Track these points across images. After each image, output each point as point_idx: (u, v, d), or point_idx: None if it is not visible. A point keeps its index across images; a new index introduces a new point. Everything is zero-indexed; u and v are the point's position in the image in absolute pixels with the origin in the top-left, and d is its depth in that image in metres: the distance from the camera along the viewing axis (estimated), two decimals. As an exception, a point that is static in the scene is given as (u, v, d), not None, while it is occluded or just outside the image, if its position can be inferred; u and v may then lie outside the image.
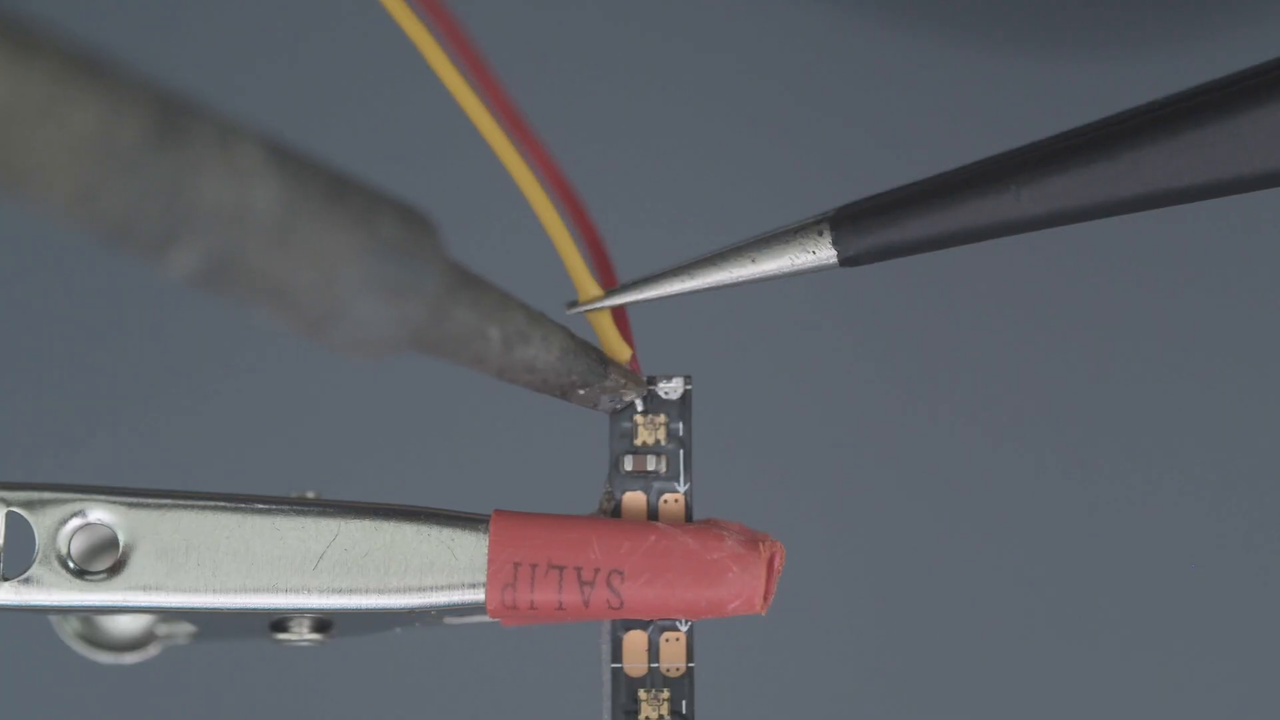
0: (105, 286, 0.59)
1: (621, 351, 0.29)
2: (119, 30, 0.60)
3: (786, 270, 0.28)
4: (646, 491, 0.29)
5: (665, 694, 0.29)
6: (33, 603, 0.27)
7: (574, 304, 0.28)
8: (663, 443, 0.29)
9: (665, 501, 0.29)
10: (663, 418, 0.29)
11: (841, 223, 0.28)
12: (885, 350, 0.59)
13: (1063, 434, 0.59)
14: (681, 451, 0.29)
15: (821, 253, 0.28)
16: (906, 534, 0.58)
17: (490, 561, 0.28)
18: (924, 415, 0.59)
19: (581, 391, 0.28)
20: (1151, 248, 0.60)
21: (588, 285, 0.28)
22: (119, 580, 0.27)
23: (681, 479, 0.29)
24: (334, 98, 0.60)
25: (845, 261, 0.28)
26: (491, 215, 0.55)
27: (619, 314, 0.29)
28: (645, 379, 0.29)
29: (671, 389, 0.29)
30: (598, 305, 0.28)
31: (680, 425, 0.29)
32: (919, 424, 0.59)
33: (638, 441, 0.29)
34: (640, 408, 0.29)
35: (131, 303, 0.59)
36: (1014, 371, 0.59)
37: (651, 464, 0.29)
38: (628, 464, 0.29)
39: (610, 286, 0.28)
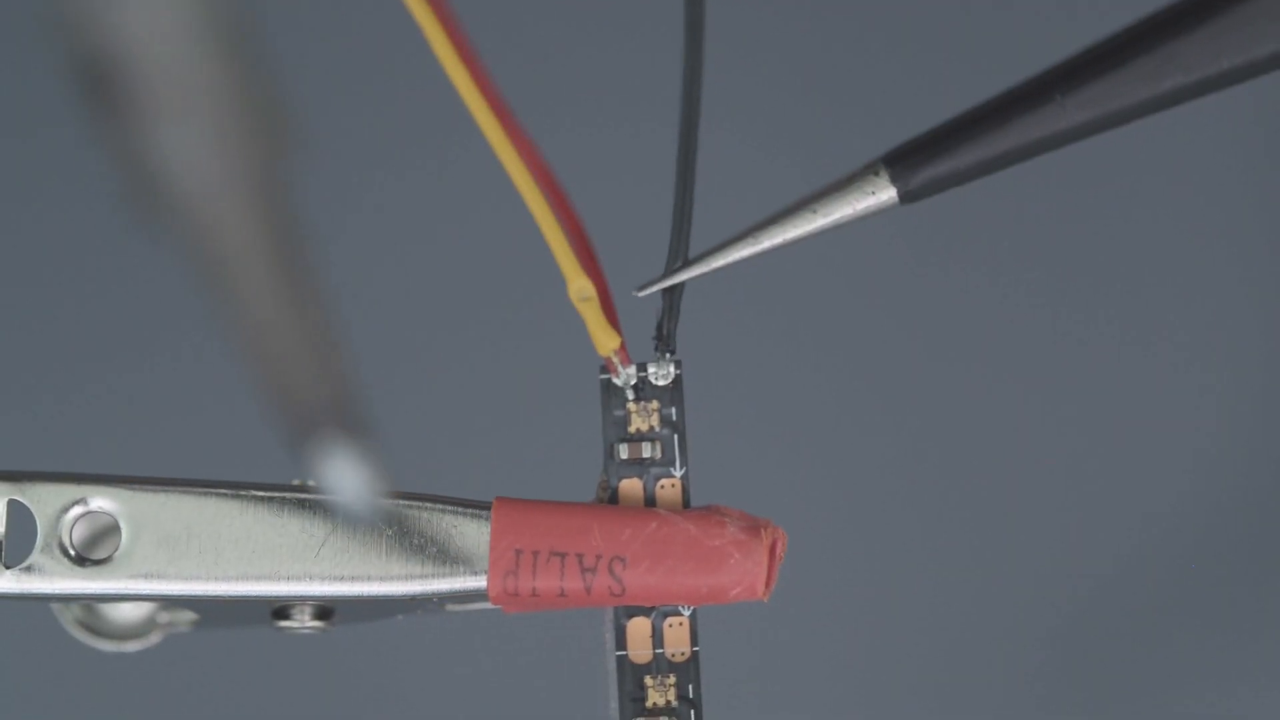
0: (107, 276, 0.59)
1: (610, 340, 0.29)
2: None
3: (849, 216, 0.28)
4: (643, 477, 0.29)
5: (671, 679, 0.29)
6: (34, 591, 0.27)
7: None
8: (656, 429, 0.29)
9: (662, 487, 0.29)
10: (655, 404, 0.29)
11: (896, 160, 0.28)
12: (880, 330, 0.59)
13: (1064, 413, 0.59)
14: (676, 436, 0.29)
15: (881, 192, 0.28)
16: (906, 518, 0.58)
17: (492, 549, 0.28)
18: (921, 396, 0.59)
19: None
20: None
21: (575, 276, 0.28)
22: (120, 568, 0.27)
23: (677, 464, 0.29)
24: (332, 84, 0.60)
25: (905, 197, 0.28)
26: (484, 207, 0.55)
27: (606, 303, 0.29)
28: (635, 365, 0.29)
29: (663, 375, 0.29)
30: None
31: (673, 410, 0.29)
32: (917, 406, 0.59)
33: (631, 429, 0.29)
34: (632, 395, 0.29)
35: (132, 292, 0.59)
36: (1011, 355, 0.59)
37: (647, 451, 0.29)
38: (623, 452, 0.29)
39: (596, 278, 0.28)
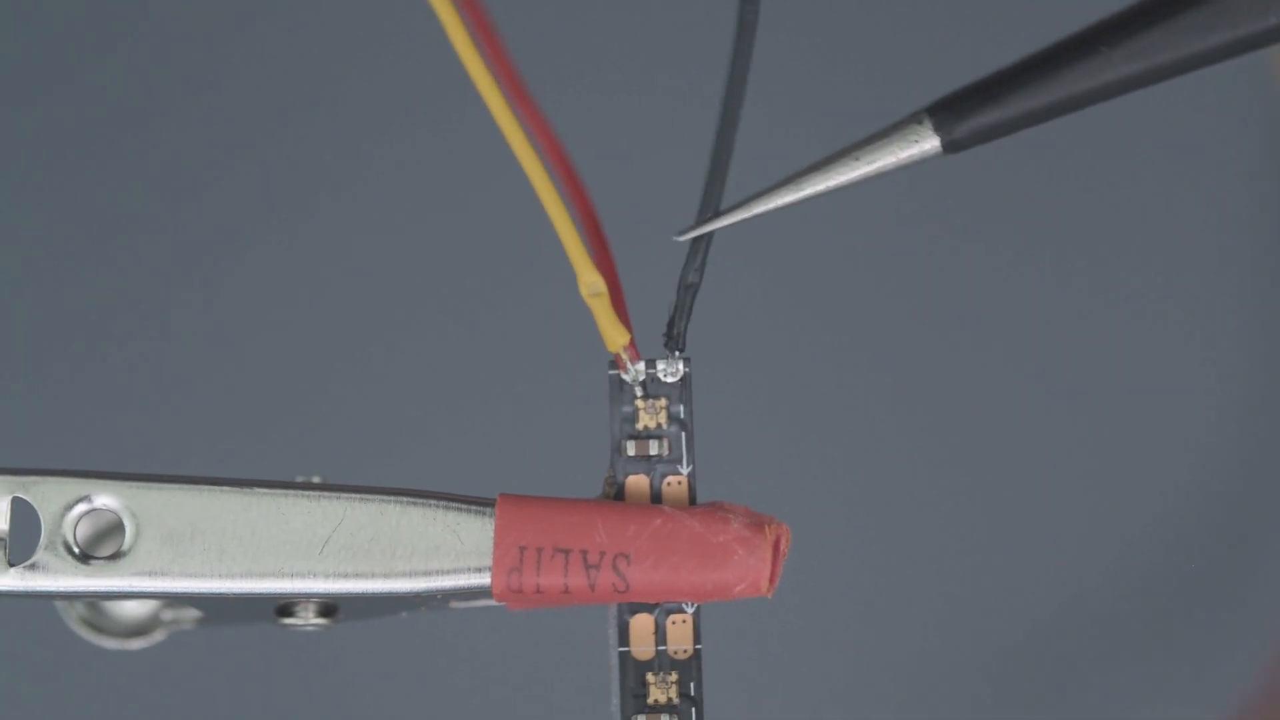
0: (109, 273, 0.59)
1: (619, 336, 0.29)
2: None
3: (892, 164, 0.28)
4: (649, 474, 0.29)
5: (673, 676, 0.29)
6: (38, 588, 0.27)
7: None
8: (664, 426, 0.29)
9: (668, 484, 0.29)
10: (663, 401, 0.29)
11: (940, 109, 0.28)
12: (885, 330, 0.59)
13: (1078, 406, 0.59)
14: (683, 434, 0.29)
15: (925, 141, 0.28)
16: (910, 516, 0.58)
17: (496, 545, 0.28)
18: (927, 396, 0.59)
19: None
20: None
21: (586, 270, 0.28)
22: (124, 565, 0.27)
23: (684, 461, 0.29)
24: (333, 75, 0.60)
25: (949, 146, 0.28)
26: (495, 195, 0.55)
27: (617, 298, 0.28)
28: (644, 361, 0.29)
29: (672, 372, 0.29)
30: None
31: (681, 408, 0.29)
32: (921, 405, 0.59)
33: (639, 426, 0.29)
34: (641, 392, 0.29)
35: (136, 288, 0.59)
36: (1019, 352, 0.59)
37: (654, 448, 0.29)
38: (630, 449, 0.29)
39: (608, 272, 0.28)
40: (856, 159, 0.28)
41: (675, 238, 0.28)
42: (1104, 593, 0.58)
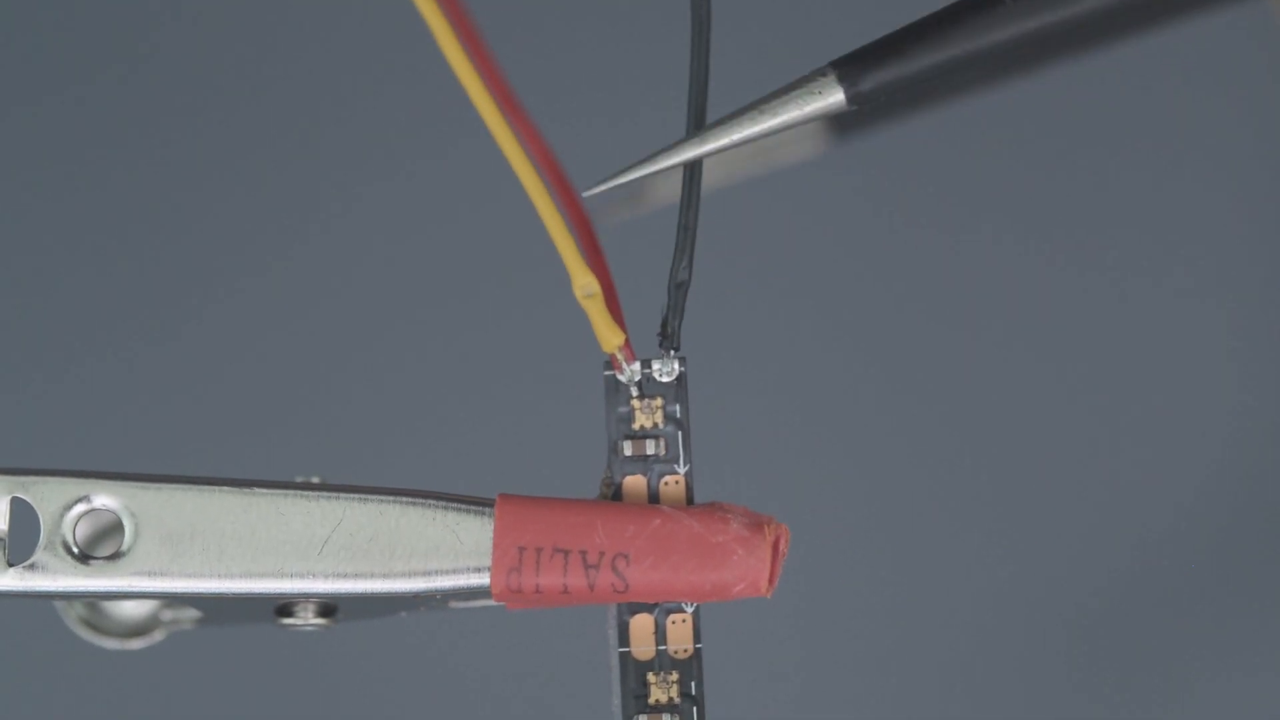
0: (109, 273, 0.59)
1: (614, 337, 0.29)
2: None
3: (798, 118, 0.28)
4: (646, 474, 0.29)
5: (674, 676, 0.29)
6: (38, 588, 0.27)
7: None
8: (660, 426, 0.29)
9: (666, 484, 0.29)
10: (659, 401, 0.29)
11: (845, 63, 0.28)
12: (883, 329, 0.59)
13: (1078, 395, 0.59)
14: (680, 433, 0.29)
15: (829, 93, 0.28)
16: (909, 514, 0.58)
17: (495, 545, 0.28)
18: (926, 393, 0.59)
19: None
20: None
21: (580, 273, 0.28)
22: (124, 565, 0.27)
23: (681, 460, 0.29)
24: (327, 69, 0.60)
25: (854, 99, 0.28)
26: (490, 198, 0.55)
27: (611, 299, 0.29)
28: (639, 362, 0.29)
29: (667, 371, 0.29)
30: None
31: (677, 407, 0.29)
32: (920, 402, 0.59)
33: (636, 426, 0.29)
34: (637, 392, 0.29)
35: (135, 288, 0.59)
36: (1019, 346, 0.59)
37: (651, 448, 0.29)
38: (627, 449, 0.29)
39: (601, 273, 0.28)
40: (761, 112, 0.28)
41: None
42: (1108, 590, 0.58)
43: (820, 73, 0.28)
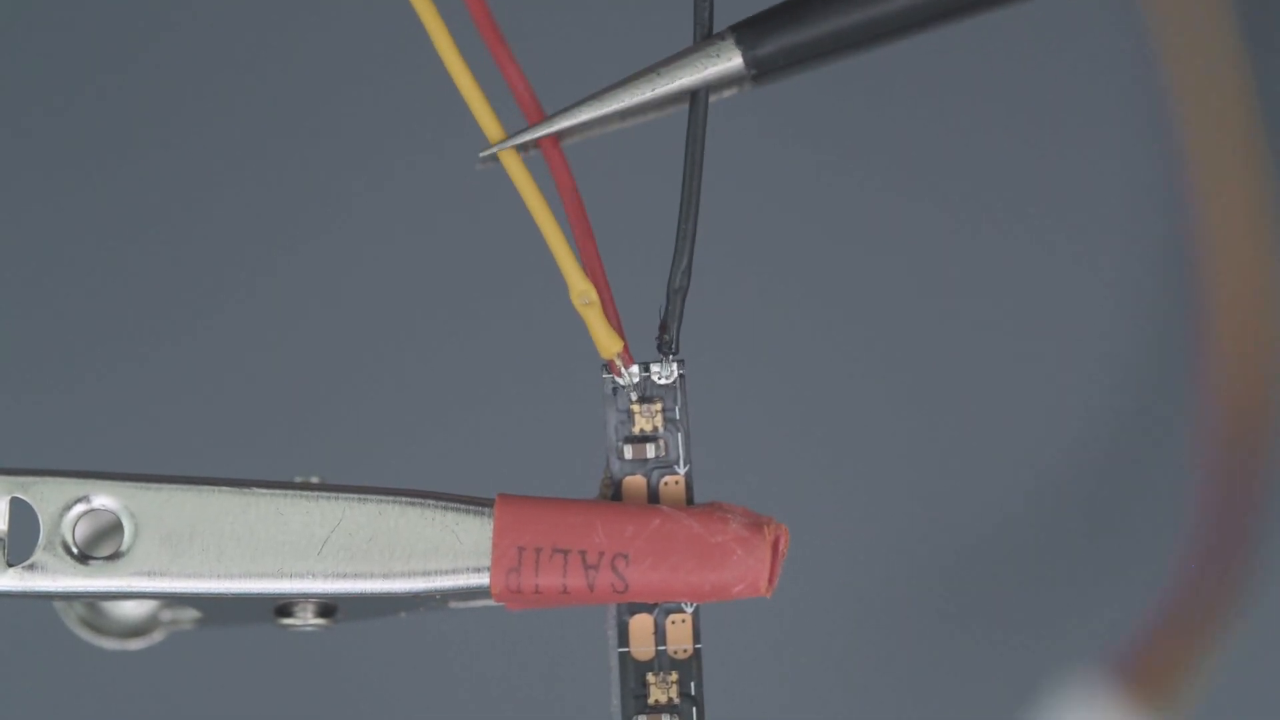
0: (108, 274, 0.59)
1: (612, 344, 0.29)
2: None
3: (696, 81, 0.28)
4: (646, 474, 0.29)
5: (673, 676, 0.29)
6: (37, 589, 0.27)
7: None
8: (660, 429, 0.29)
9: (665, 484, 0.29)
10: (658, 404, 0.29)
11: (744, 27, 0.28)
12: (881, 328, 0.59)
13: (1071, 409, 0.59)
14: (680, 434, 0.29)
15: (727, 58, 0.28)
16: (911, 514, 0.58)
17: (494, 545, 0.28)
18: (925, 395, 0.59)
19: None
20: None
21: (577, 280, 0.28)
22: (123, 565, 0.27)
23: (681, 461, 0.29)
24: (322, 70, 0.60)
25: (752, 63, 0.28)
26: (489, 203, 0.55)
27: (609, 306, 0.29)
28: (637, 365, 0.29)
29: (666, 375, 0.29)
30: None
31: (676, 410, 0.29)
32: (918, 404, 0.59)
33: (635, 429, 0.29)
34: (635, 396, 0.29)
35: (135, 288, 0.59)
36: (1019, 345, 0.59)
37: (650, 451, 0.29)
38: (626, 452, 0.29)
39: (599, 280, 0.28)
40: (659, 74, 0.28)
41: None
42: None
43: (720, 37, 0.28)
